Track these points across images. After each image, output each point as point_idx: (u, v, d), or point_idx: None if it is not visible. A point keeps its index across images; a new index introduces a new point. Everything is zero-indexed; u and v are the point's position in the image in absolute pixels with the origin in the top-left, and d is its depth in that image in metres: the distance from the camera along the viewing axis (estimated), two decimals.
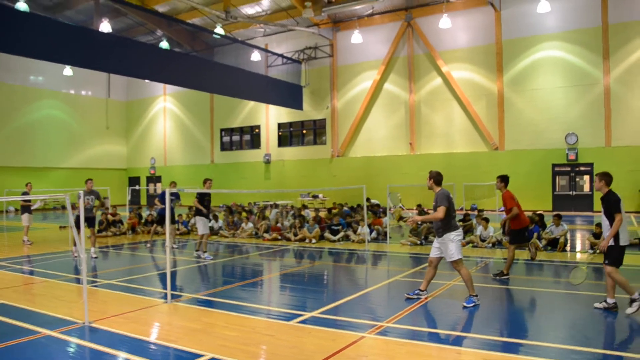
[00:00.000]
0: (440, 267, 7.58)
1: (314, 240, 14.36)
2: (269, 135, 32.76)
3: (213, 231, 16.25)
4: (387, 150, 28.21)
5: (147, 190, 38.67)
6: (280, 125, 32.53)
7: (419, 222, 13.78)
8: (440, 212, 6.97)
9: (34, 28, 17.22)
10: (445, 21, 24.74)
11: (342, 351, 5.16)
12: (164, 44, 27.81)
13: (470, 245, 12.92)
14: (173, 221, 13.92)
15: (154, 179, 38.74)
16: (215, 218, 17.04)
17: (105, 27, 23.67)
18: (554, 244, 12.04)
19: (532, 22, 24.02)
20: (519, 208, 8.87)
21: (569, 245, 12.24)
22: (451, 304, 7.09)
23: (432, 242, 8.34)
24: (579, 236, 15.19)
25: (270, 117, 32.70)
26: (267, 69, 30.84)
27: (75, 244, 11.83)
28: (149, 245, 14.40)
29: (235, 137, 35.15)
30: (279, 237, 15.18)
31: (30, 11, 18.62)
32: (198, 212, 12.07)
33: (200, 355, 5.06)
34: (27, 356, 5.18)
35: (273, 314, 6.78)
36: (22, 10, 18.11)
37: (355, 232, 14.53)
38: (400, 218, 20.21)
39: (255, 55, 29.48)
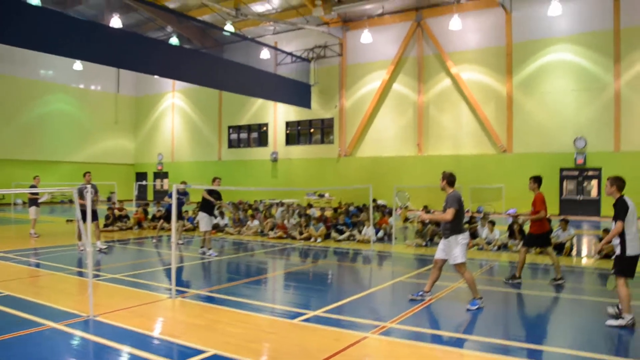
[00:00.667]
0: (445, 268, 7.55)
1: (319, 239, 14.38)
2: (277, 134, 32.78)
3: (219, 228, 16.31)
4: (394, 151, 28.13)
5: (154, 186, 38.81)
6: (288, 124, 32.55)
7: (426, 221, 13.75)
8: (449, 214, 6.94)
9: (45, 22, 17.34)
10: (455, 22, 24.61)
11: (345, 350, 5.17)
12: (174, 40, 27.88)
13: (476, 247, 12.88)
14: (180, 217, 13.98)
15: (161, 174, 38.87)
16: (222, 215, 17.09)
17: (115, 22, 23.76)
18: (560, 249, 11.96)
19: (543, 25, 23.83)
20: (545, 213, 8.73)
21: (574, 250, 12.16)
22: (455, 306, 7.07)
23: (437, 244, 8.30)
24: (585, 241, 15.08)
25: (278, 115, 32.73)
26: (276, 67, 30.83)
27: (80, 238, 11.93)
28: (154, 240, 14.49)
29: (243, 135, 35.18)
30: (285, 235, 15.22)
31: (41, 5, 18.72)
32: (201, 209, 12.10)
33: (203, 351, 5.07)
34: (32, 348, 5.22)
35: (277, 312, 6.80)
36: (34, 5, 18.21)
37: (360, 232, 14.53)
38: (406, 219, 20.14)
39: (265, 53, 29.51)
